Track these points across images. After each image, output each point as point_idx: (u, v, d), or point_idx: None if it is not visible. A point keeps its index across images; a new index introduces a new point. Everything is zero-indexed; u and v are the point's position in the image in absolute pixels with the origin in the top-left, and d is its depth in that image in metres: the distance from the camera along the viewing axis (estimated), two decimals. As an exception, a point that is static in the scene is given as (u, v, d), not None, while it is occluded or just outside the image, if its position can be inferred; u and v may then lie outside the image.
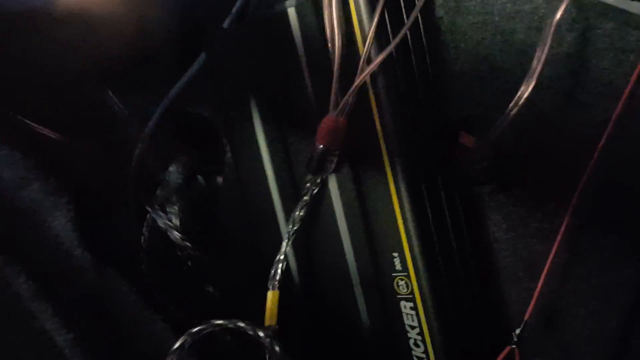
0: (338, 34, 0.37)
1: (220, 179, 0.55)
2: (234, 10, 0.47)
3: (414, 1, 0.39)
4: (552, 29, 0.33)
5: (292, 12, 0.41)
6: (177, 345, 0.39)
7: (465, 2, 0.39)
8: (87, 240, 0.45)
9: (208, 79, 0.48)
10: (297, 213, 0.42)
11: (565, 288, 0.40)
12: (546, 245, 0.39)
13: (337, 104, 0.38)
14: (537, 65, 0.33)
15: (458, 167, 0.41)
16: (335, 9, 0.37)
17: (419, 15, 0.39)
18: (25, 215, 0.44)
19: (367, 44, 0.37)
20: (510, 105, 0.35)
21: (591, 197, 0.37)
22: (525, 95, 0.34)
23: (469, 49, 0.40)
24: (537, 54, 0.34)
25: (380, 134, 0.39)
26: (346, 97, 0.37)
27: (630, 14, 0.35)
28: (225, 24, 0.48)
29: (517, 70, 0.38)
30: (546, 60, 0.34)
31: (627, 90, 0.34)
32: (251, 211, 0.47)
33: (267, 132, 0.44)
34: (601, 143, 0.35)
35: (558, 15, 0.33)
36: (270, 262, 0.42)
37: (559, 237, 0.37)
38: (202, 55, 0.51)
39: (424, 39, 0.40)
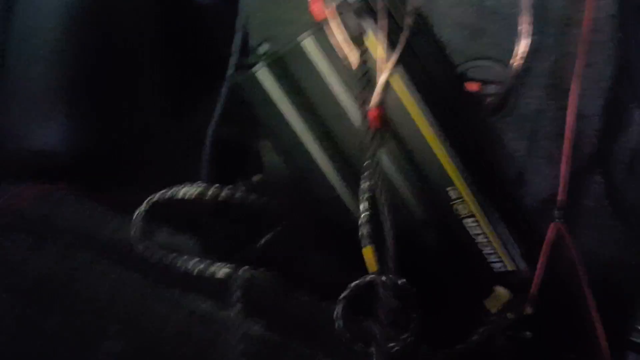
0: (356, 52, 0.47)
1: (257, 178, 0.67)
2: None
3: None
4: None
5: (307, 43, 0.50)
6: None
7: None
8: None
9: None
10: (365, 184, 0.52)
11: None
12: (550, 140, 0.51)
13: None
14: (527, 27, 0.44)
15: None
16: (343, 29, 0.47)
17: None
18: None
19: (383, 47, 0.47)
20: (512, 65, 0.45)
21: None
22: (525, 51, 0.45)
23: (450, 23, 0.50)
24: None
25: (410, 104, 0.49)
26: (378, 91, 0.47)
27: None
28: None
29: (495, 28, 0.49)
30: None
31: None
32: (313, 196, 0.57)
33: (315, 137, 0.54)
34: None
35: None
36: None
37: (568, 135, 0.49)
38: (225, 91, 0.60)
39: (419, 25, 0.49)
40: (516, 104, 0.52)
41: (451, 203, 0.53)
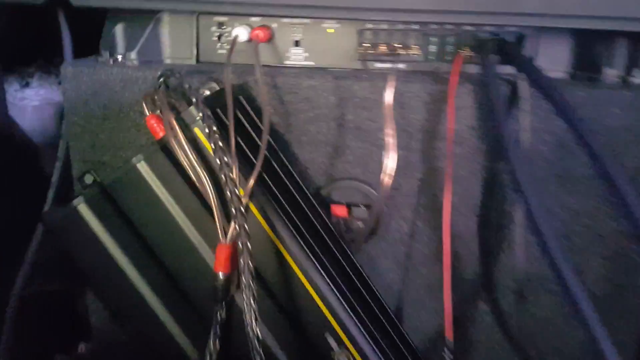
0: (204, 175, 0.37)
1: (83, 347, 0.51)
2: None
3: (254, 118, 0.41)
4: (390, 110, 0.38)
5: (142, 166, 0.39)
6: None
7: (293, 105, 0.42)
8: None
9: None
10: (211, 346, 0.40)
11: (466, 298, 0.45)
12: (427, 267, 0.44)
13: (225, 233, 0.38)
14: (393, 140, 0.38)
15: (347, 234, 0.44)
16: (192, 154, 0.37)
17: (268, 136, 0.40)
18: None
19: (234, 172, 0.37)
20: (383, 181, 0.38)
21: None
22: (393, 166, 0.38)
23: (310, 140, 0.43)
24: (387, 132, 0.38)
25: (272, 235, 0.39)
26: (233, 225, 0.37)
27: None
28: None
29: (358, 144, 0.43)
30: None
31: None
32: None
33: (154, 283, 0.41)
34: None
35: (390, 99, 0.38)
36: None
37: (447, 262, 0.42)
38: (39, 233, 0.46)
39: (274, 146, 0.41)
40: (388, 227, 0.45)
41: (332, 353, 0.41)
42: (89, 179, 0.43)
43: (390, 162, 0.37)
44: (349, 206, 0.45)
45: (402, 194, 0.44)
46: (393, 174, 0.37)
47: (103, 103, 0.44)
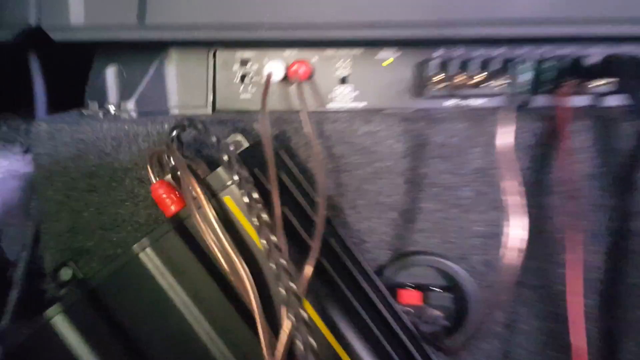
0: (241, 264, 0.25)
1: None
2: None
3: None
4: (511, 155, 0.27)
5: (147, 255, 0.27)
6: None
7: (345, 158, 0.32)
8: None
9: None
10: None
11: None
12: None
13: (272, 352, 0.26)
14: (520, 198, 0.27)
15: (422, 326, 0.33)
16: (224, 234, 0.25)
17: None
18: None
19: (286, 259, 0.25)
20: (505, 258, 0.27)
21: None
22: (523, 236, 0.27)
23: (368, 204, 0.33)
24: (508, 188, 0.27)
25: (338, 349, 0.27)
26: (286, 337, 0.25)
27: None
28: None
29: (433, 205, 0.32)
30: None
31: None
32: None
33: None
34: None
35: (509, 141, 0.27)
36: None
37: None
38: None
39: (328, 217, 0.30)
40: (477, 317, 0.33)
41: None
42: (67, 274, 0.32)
43: (515, 230, 0.26)
44: (422, 290, 0.33)
45: (494, 269, 0.33)
46: (524, 246, 0.26)
47: (89, 170, 0.33)
